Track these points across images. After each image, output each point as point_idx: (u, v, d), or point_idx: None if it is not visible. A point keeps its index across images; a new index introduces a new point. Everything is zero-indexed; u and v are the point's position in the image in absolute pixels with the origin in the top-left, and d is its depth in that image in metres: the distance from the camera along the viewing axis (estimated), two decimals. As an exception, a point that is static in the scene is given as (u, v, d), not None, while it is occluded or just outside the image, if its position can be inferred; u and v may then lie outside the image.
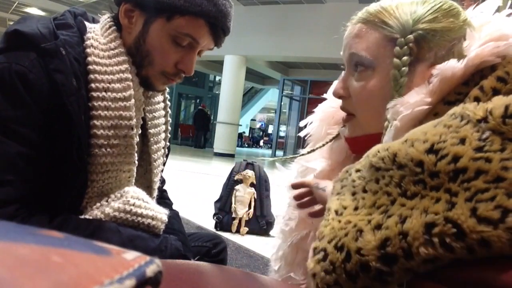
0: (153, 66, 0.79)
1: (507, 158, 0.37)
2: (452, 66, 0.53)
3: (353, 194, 0.48)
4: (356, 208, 0.46)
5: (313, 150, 0.76)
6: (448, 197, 0.38)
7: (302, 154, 0.77)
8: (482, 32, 0.56)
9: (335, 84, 0.80)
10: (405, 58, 0.58)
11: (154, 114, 0.89)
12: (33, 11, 10.84)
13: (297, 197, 0.73)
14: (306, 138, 0.80)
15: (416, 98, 0.55)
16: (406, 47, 0.58)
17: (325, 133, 0.76)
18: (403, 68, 0.58)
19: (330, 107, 0.78)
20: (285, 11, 9.81)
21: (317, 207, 0.70)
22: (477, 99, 0.49)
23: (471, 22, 0.60)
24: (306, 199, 0.72)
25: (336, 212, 0.47)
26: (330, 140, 0.75)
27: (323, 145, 0.75)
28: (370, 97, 0.62)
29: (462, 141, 0.40)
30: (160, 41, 0.77)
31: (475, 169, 0.38)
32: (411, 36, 0.58)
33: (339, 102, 0.76)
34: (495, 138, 0.39)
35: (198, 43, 0.79)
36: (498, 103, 0.41)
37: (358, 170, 0.49)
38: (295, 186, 0.72)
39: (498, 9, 0.62)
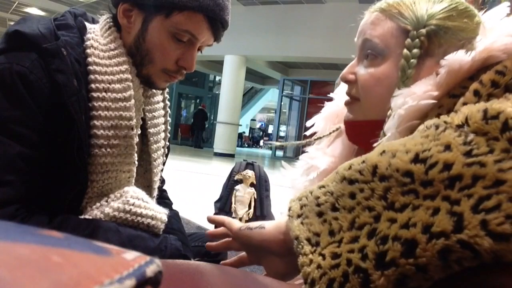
0: (153, 64, 0.80)
1: (500, 159, 0.36)
2: (460, 58, 0.54)
3: (319, 214, 0.43)
4: (332, 233, 0.41)
5: (319, 138, 0.77)
6: (448, 206, 0.36)
7: (309, 141, 0.77)
8: (494, 30, 0.57)
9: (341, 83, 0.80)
10: (415, 50, 0.59)
11: (153, 114, 0.90)
12: (33, 11, 10.85)
13: (210, 234, 0.70)
14: (312, 137, 0.81)
15: (423, 89, 0.55)
16: (417, 40, 0.59)
17: (329, 131, 0.77)
18: (412, 60, 0.59)
19: (335, 105, 0.79)
20: (285, 11, 9.81)
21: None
22: (476, 92, 0.49)
23: (484, 24, 0.61)
24: (221, 241, 0.69)
25: (309, 241, 0.43)
26: (334, 131, 0.75)
27: (330, 133, 0.76)
28: (376, 84, 0.63)
29: (448, 147, 0.39)
30: (159, 38, 0.77)
31: (471, 175, 0.36)
32: (423, 30, 0.60)
33: (344, 100, 0.77)
34: (480, 140, 0.38)
35: (197, 39, 0.79)
36: (472, 109, 0.40)
37: (321, 186, 0.46)
38: (211, 220, 0.69)
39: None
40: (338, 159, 0.73)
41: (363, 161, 0.43)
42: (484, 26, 0.59)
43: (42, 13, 10.66)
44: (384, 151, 0.42)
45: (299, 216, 0.46)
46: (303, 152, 0.79)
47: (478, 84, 0.49)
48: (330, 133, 0.76)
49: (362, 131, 0.66)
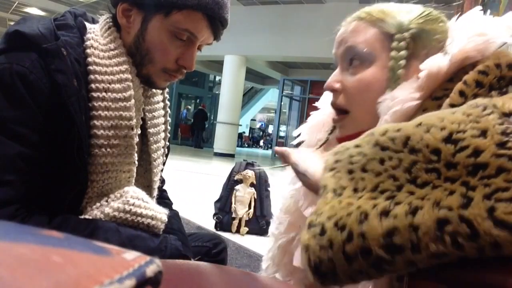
0: (153, 63, 0.79)
1: None
2: (438, 62, 0.55)
3: (350, 172, 0.45)
4: (355, 190, 0.43)
5: (302, 142, 0.78)
6: (463, 191, 0.37)
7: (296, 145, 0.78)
8: (464, 31, 0.59)
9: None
10: (402, 52, 0.61)
11: (153, 114, 0.90)
12: (33, 11, 10.84)
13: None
14: (299, 147, 0.80)
15: (405, 93, 0.57)
16: (403, 42, 0.61)
17: (316, 140, 0.77)
18: (401, 61, 0.61)
19: (321, 115, 0.79)
20: (285, 11, 9.80)
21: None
22: (462, 93, 0.50)
23: (451, 27, 0.64)
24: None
25: (335, 191, 0.45)
26: (320, 146, 0.75)
27: (320, 146, 0.75)
28: (366, 90, 0.63)
29: (484, 133, 0.38)
30: (159, 38, 0.77)
31: (497, 166, 0.36)
32: (407, 33, 0.62)
33: (330, 109, 0.76)
34: None
35: (196, 38, 0.79)
36: None
37: (357, 146, 0.47)
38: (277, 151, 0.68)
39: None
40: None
41: (399, 129, 0.43)
42: (451, 29, 0.62)
43: (42, 13, 10.65)
44: (420, 123, 0.42)
45: (332, 169, 0.47)
46: None
47: (463, 85, 0.51)
48: (320, 146, 0.75)
49: None
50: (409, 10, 0.64)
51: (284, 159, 0.65)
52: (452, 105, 0.50)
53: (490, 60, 0.52)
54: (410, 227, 0.37)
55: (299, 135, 0.80)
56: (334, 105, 0.68)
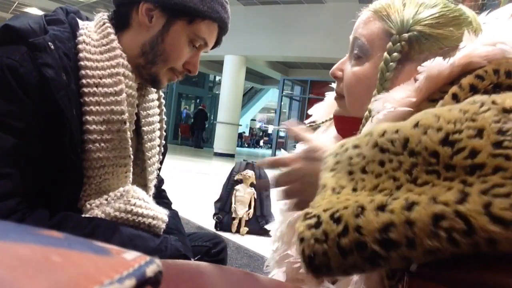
0: (165, 64, 0.82)
1: None
2: (439, 64, 0.53)
3: (350, 173, 0.46)
4: (355, 190, 0.44)
5: (312, 123, 0.80)
6: (461, 187, 0.37)
7: (308, 124, 0.81)
8: (478, 36, 0.56)
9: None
10: (395, 54, 0.60)
11: (148, 111, 0.90)
12: (33, 11, 10.85)
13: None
14: (312, 124, 0.82)
15: (401, 95, 0.56)
16: (398, 44, 0.60)
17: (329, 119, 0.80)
18: (391, 64, 0.60)
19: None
20: (285, 11, 9.81)
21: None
22: (455, 96, 0.49)
23: (479, 28, 0.61)
24: (291, 186, 0.65)
25: (333, 189, 0.46)
26: (327, 120, 0.79)
27: (322, 122, 0.79)
28: (356, 83, 0.65)
29: (480, 133, 0.39)
30: (179, 41, 0.80)
31: (494, 166, 0.37)
32: (405, 35, 0.60)
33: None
34: None
35: (207, 46, 0.84)
36: None
37: (356, 146, 0.47)
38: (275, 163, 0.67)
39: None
40: (329, 144, 0.75)
41: (397, 130, 0.44)
42: (469, 33, 0.57)
43: (42, 13, 10.64)
44: (417, 124, 0.43)
45: (332, 170, 0.48)
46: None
47: (457, 88, 0.50)
48: (322, 122, 0.79)
49: (345, 126, 0.69)
50: (420, 11, 0.61)
51: (296, 137, 0.65)
52: None
53: (490, 65, 0.50)
54: (406, 222, 0.37)
55: (311, 115, 0.83)
56: (336, 90, 0.72)
